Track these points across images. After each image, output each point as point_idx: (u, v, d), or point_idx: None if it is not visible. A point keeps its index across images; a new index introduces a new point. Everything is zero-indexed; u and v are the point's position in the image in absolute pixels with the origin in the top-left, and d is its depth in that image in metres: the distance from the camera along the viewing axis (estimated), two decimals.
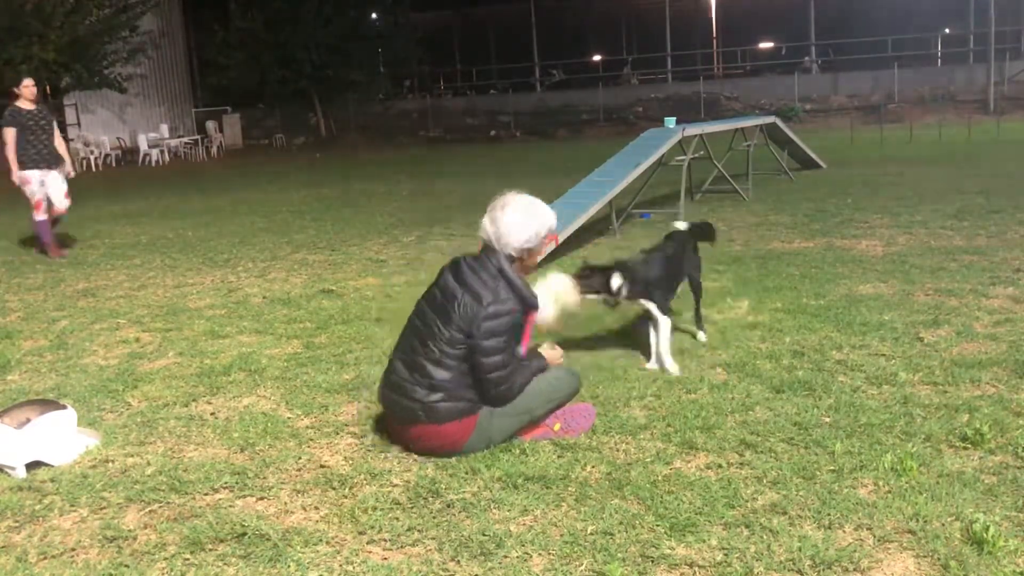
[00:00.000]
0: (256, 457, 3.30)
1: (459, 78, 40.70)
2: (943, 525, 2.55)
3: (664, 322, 4.07)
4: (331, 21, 28.71)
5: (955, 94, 27.44)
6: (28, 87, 8.13)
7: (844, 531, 2.56)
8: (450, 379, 3.11)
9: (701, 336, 4.53)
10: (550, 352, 3.45)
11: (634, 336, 4.52)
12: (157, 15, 29.20)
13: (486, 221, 3.21)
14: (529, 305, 3.21)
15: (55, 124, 8.42)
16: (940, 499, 2.69)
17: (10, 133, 8.03)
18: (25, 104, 8.12)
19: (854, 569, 2.37)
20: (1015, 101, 26.11)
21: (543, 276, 3.73)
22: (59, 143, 8.40)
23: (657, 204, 9.83)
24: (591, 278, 3.99)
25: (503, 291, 3.12)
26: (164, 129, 27.61)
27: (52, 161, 8.28)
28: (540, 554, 2.51)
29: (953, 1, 32.24)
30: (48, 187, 8.27)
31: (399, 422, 3.25)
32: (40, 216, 8.31)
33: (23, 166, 8.09)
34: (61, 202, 8.40)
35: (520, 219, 3.18)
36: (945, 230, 7.43)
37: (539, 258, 3.38)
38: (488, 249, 3.22)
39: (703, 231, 4.88)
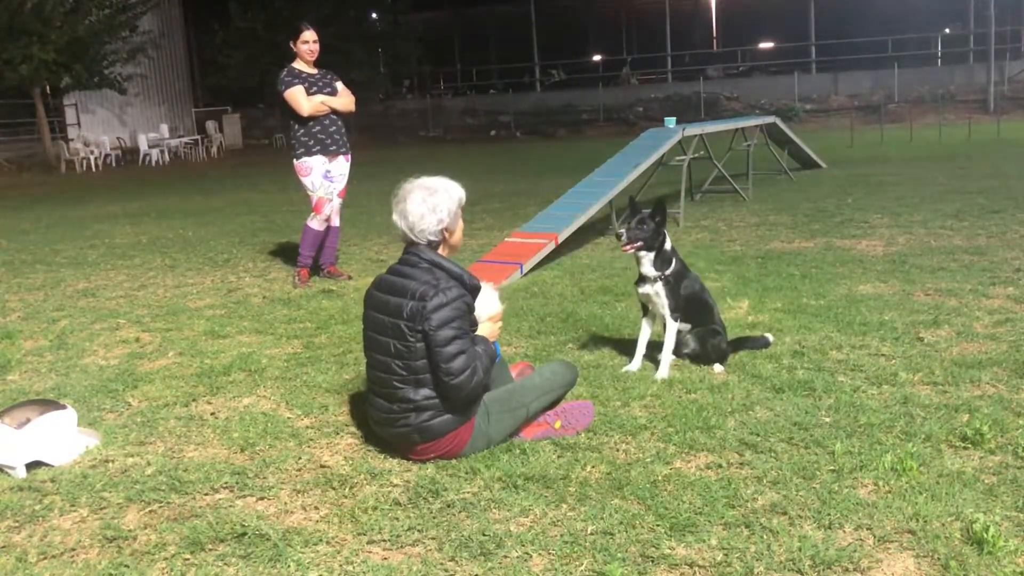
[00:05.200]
0: (256, 457, 3.30)
1: (459, 78, 40.71)
2: (943, 525, 2.55)
3: (672, 326, 3.99)
4: (331, 21, 28.73)
5: (955, 94, 27.45)
6: None
7: (844, 531, 2.56)
8: (433, 394, 3.07)
9: (717, 368, 4.09)
10: (488, 329, 3.32)
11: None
12: (157, 15, 29.24)
13: (395, 217, 3.14)
14: (470, 288, 3.13)
15: None
16: (940, 499, 2.69)
17: None
18: None
19: (854, 569, 2.37)
20: (1015, 101, 26.13)
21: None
22: None
23: None
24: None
25: (443, 281, 3.05)
26: (164, 129, 27.62)
27: None
28: (540, 554, 2.51)
29: (953, 1, 32.25)
30: None
31: (398, 446, 3.22)
32: None
33: None
34: None
35: (425, 203, 3.09)
36: (945, 230, 7.43)
37: (460, 233, 3.25)
38: (409, 245, 3.16)
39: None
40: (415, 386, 3.07)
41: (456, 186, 3.21)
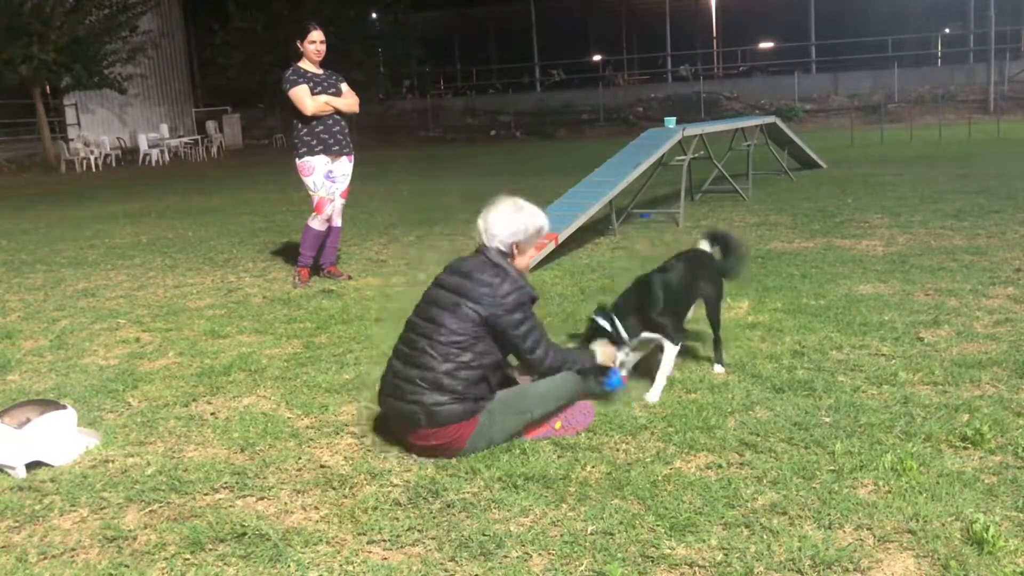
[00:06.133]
0: (256, 457, 3.30)
1: (459, 78, 40.70)
2: (943, 525, 2.55)
3: (671, 349, 3.80)
4: (331, 21, 28.71)
5: (955, 94, 27.46)
6: None
7: (844, 531, 2.56)
8: (454, 372, 3.11)
9: (718, 369, 4.06)
10: (605, 349, 3.62)
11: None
12: (157, 15, 29.25)
13: (479, 219, 3.36)
14: (531, 297, 3.31)
15: None
16: (940, 499, 2.69)
17: None
18: None
19: (854, 569, 2.37)
20: (1015, 101, 26.14)
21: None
22: None
23: (657, 204, 9.83)
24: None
25: (508, 282, 3.24)
26: (164, 129, 27.62)
27: None
28: (540, 554, 2.51)
29: (953, 1, 32.26)
30: None
31: (399, 426, 3.26)
32: None
33: None
34: None
35: (506, 214, 3.32)
36: (945, 230, 7.44)
37: (531, 257, 3.47)
38: (481, 247, 3.34)
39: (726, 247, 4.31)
40: (443, 359, 3.13)
41: (543, 216, 3.42)
